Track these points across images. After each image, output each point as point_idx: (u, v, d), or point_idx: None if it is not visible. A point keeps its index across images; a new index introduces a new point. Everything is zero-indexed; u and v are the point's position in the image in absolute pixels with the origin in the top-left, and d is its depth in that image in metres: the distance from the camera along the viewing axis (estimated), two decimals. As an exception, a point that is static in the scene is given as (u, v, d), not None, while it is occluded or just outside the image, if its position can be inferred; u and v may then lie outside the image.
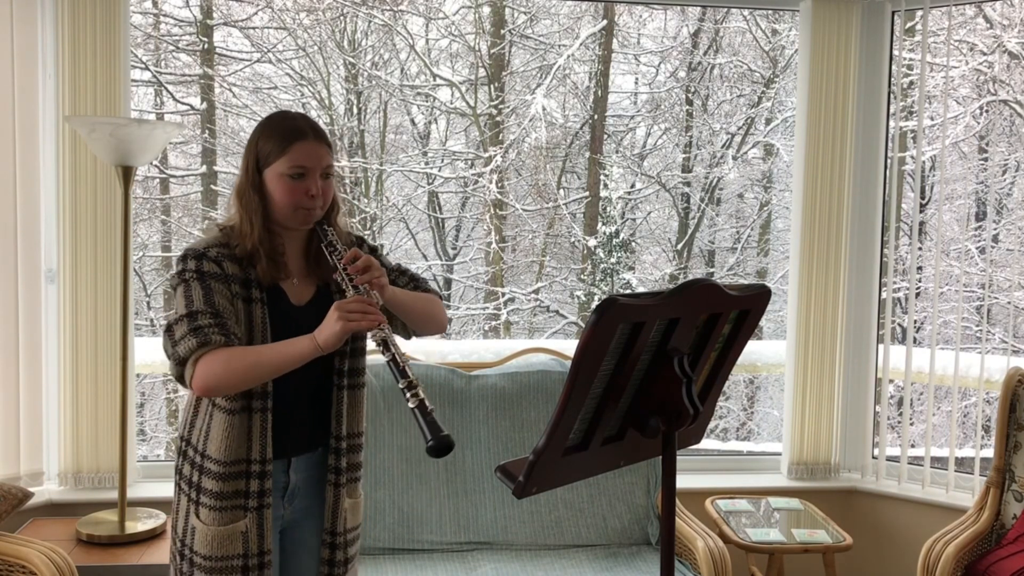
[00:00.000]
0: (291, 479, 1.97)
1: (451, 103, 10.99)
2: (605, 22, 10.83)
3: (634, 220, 11.41)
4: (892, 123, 3.60)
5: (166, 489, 3.25)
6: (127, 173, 2.89)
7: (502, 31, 10.83)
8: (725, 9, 10.21)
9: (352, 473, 2.02)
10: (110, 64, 3.13)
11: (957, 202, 10.22)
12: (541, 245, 11.23)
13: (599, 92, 10.96)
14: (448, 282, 11.13)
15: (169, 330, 1.81)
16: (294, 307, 1.92)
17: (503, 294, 10.73)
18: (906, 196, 8.96)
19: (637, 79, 11.59)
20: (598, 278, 10.80)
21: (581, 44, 10.81)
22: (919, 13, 3.76)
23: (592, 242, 10.81)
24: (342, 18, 10.45)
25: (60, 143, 3.14)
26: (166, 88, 10.32)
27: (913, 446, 4.65)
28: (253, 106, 10.43)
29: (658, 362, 1.45)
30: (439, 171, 11.03)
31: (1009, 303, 9.27)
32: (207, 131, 10.20)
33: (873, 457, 3.63)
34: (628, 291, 3.91)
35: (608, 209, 10.82)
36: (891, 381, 3.79)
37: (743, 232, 11.31)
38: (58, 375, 3.20)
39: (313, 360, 1.82)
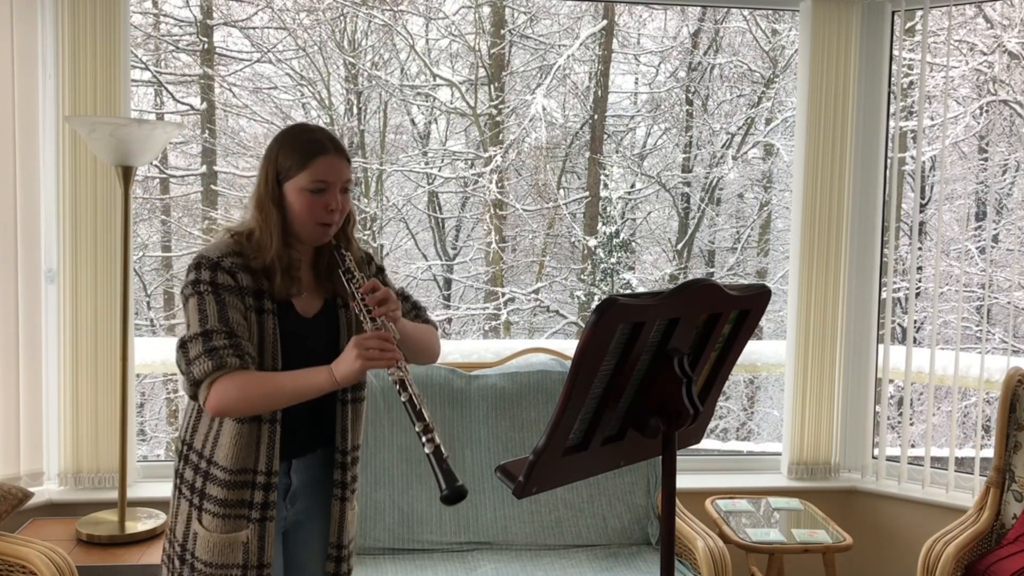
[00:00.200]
0: (292, 481, 1.98)
1: (451, 103, 10.99)
2: (605, 22, 10.83)
3: (634, 220, 11.41)
4: (892, 123, 3.60)
5: (166, 489, 3.23)
6: (127, 173, 2.89)
7: (502, 31, 10.82)
8: (725, 9, 10.21)
9: (353, 485, 2.05)
10: (110, 64, 3.13)
11: (957, 202, 10.22)
12: (541, 245, 11.23)
13: (599, 92, 10.96)
14: (448, 282, 11.13)
15: (183, 347, 1.80)
16: (302, 319, 1.92)
17: (503, 294, 10.73)
18: (906, 196, 8.96)
19: (637, 79, 11.59)
20: (598, 278, 10.80)
21: (581, 44, 10.81)
22: (919, 13, 3.76)
23: (592, 242, 10.81)
24: (342, 18, 10.45)
25: (60, 143, 3.14)
26: (166, 88, 10.32)
27: (913, 446, 4.65)
28: (253, 106, 10.43)
29: (658, 362, 1.45)
30: (439, 171, 11.03)
31: (1009, 303, 9.27)
32: (207, 131, 10.20)
33: (873, 457, 3.63)
34: (628, 291, 3.91)
35: (608, 209, 10.82)
36: (891, 381, 3.79)
37: (743, 232, 11.31)
38: (58, 375, 3.20)
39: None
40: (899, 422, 6.83)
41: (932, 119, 7.96)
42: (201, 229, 10.32)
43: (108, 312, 3.18)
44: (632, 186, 11.35)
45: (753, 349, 4.21)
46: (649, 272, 11.34)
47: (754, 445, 8.95)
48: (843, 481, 3.59)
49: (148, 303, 10.48)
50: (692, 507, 3.15)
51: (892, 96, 3.58)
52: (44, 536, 2.84)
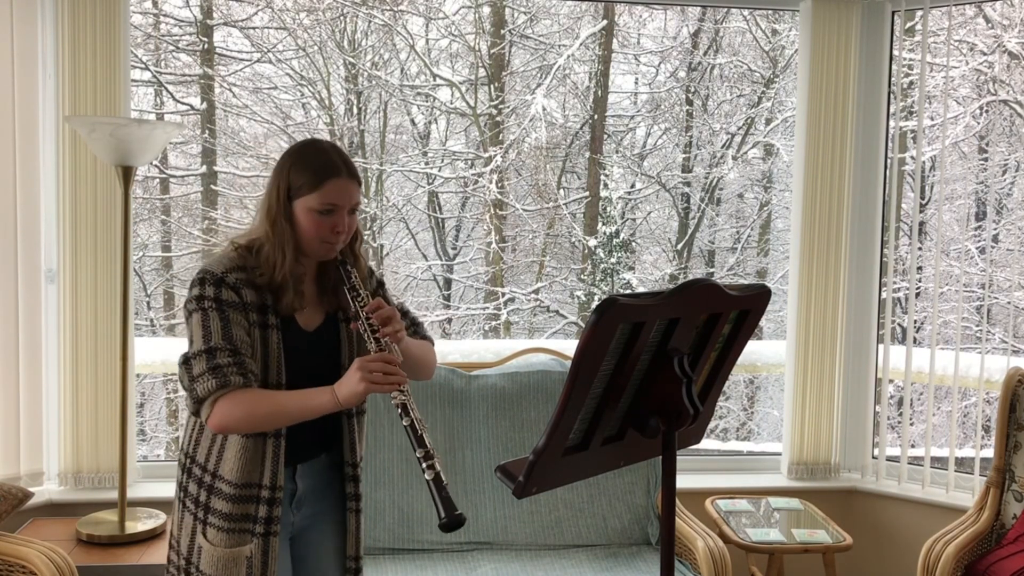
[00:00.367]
0: (298, 486, 1.99)
1: (451, 103, 10.99)
2: (605, 22, 10.82)
3: (634, 220, 11.41)
4: (892, 123, 3.60)
5: (166, 489, 3.25)
6: (127, 173, 2.89)
7: (502, 31, 10.82)
8: (725, 9, 10.21)
9: (361, 495, 2.07)
10: (110, 64, 3.13)
11: (957, 202, 10.22)
12: (541, 245, 11.23)
13: (599, 92, 10.96)
14: (448, 282, 11.13)
15: (187, 363, 1.80)
16: (304, 333, 1.93)
17: (503, 294, 10.73)
18: (906, 196, 8.95)
19: (637, 79, 11.59)
20: (598, 278, 10.80)
21: (581, 44, 10.80)
22: (919, 13, 3.76)
23: (592, 242, 10.81)
24: (342, 18, 10.44)
25: (60, 143, 3.14)
26: (166, 88, 10.32)
27: (913, 446, 4.65)
28: (253, 106, 10.43)
29: (658, 362, 1.45)
30: (439, 171, 11.03)
31: (1009, 303, 9.28)
32: (207, 131, 10.20)
33: (873, 457, 3.63)
34: (628, 291, 3.91)
35: (608, 209, 10.81)
36: (891, 381, 3.79)
37: (743, 232, 11.31)
38: (58, 375, 3.20)
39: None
40: (899, 422, 6.84)
41: (932, 119, 7.96)
42: (201, 229, 10.32)
43: (108, 312, 3.18)
44: (632, 186, 11.35)
45: (753, 349, 4.21)
46: (649, 272, 11.33)
47: (754, 445, 8.95)
48: (843, 481, 3.59)
49: (148, 303, 10.48)
50: (692, 507, 3.15)
51: (892, 96, 3.58)
52: (44, 536, 2.84)
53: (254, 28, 10.38)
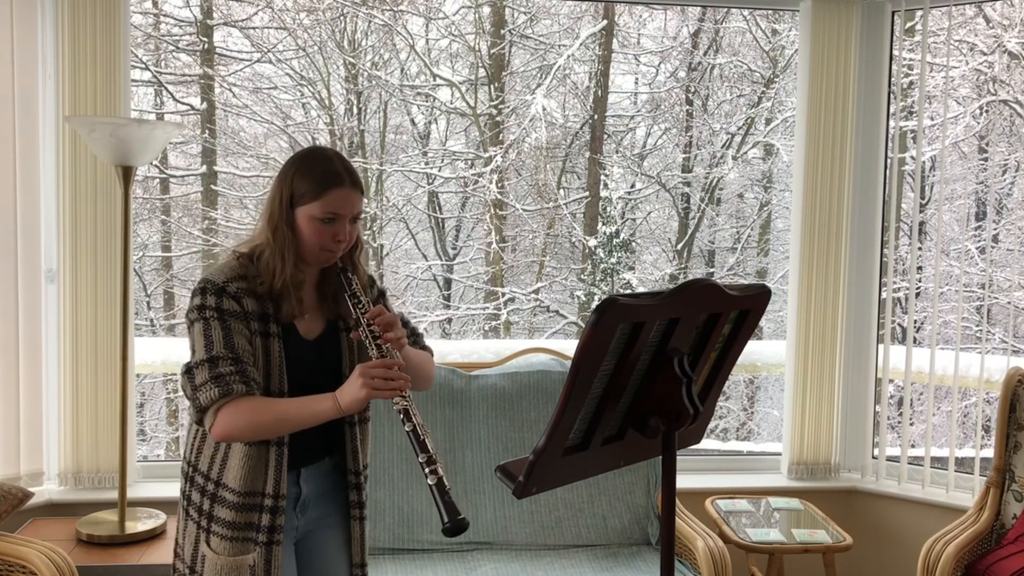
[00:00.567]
0: (302, 490, 1.99)
1: (451, 103, 10.99)
2: (605, 22, 10.82)
3: (634, 220, 11.41)
4: (892, 123, 3.60)
5: (166, 489, 3.25)
6: (127, 173, 2.89)
7: (502, 31, 10.82)
8: (725, 9, 10.21)
9: (365, 502, 2.08)
10: (110, 64, 3.13)
11: (957, 202, 10.22)
12: (541, 245, 11.23)
13: (599, 92, 10.96)
14: (448, 282, 11.13)
15: (189, 373, 1.81)
16: (305, 341, 1.93)
17: (503, 294, 10.73)
18: (906, 196, 8.95)
19: (637, 79, 11.59)
20: (598, 278, 10.80)
21: (581, 44, 10.81)
22: (919, 13, 3.76)
23: (592, 242, 10.81)
24: (342, 18, 10.45)
25: (60, 143, 3.14)
26: (166, 88, 10.32)
27: (913, 446, 4.65)
28: (253, 106, 10.43)
29: (658, 362, 1.45)
30: (439, 171, 11.03)
31: (1009, 303, 9.27)
32: (207, 131, 10.20)
33: (873, 457, 3.63)
34: (628, 291, 3.91)
35: (608, 209, 10.81)
36: (891, 381, 3.79)
37: (743, 232, 11.31)
38: (58, 375, 3.20)
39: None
40: (899, 422, 6.84)
41: (932, 119, 7.96)
42: (201, 229, 10.32)
43: (108, 312, 3.18)
44: (632, 186, 11.35)
45: (753, 349, 4.21)
46: (649, 272, 11.34)
47: (754, 445, 8.95)
48: (843, 481, 3.59)
49: (148, 303, 10.48)
50: (692, 507, 3.15)
51: (892, 96, 3.58)
52: (44, 536, 2.84)
53: (254, 28, 10.39)
